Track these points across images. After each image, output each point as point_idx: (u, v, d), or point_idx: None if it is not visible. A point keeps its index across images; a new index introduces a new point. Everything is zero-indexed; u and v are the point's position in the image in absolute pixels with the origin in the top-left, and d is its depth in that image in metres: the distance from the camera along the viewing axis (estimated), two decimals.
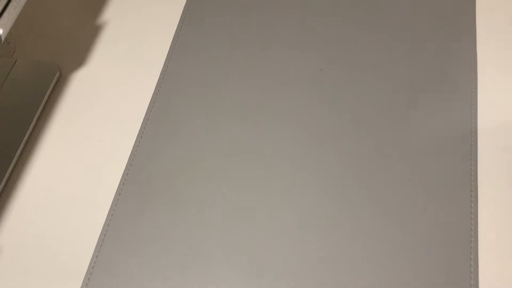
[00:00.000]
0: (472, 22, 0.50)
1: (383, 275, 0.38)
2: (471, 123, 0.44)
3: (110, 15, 0.56)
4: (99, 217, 0.43)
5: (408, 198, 0.41)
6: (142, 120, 0.48)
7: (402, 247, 0.39)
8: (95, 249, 0.42)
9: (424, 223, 0.40)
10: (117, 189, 0.44)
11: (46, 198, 0.45)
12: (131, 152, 0.46)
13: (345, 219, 0.40)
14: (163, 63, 0.51)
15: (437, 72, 0.48)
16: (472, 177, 0.42)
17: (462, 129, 0.44)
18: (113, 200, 0.44)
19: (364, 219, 0.40)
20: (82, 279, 0.40)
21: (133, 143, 0.47)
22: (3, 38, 0.41)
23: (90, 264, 0.41)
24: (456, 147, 0.43)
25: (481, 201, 0.41)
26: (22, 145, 0.47)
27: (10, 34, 0.42)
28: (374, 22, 0.51)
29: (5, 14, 0.42)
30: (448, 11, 0.51)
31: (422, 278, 0.38)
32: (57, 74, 0.51)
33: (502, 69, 0.48)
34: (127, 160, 0.46)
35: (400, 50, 0.49)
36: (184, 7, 0.55)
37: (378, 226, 0.40)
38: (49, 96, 0.50)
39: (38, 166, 0.46)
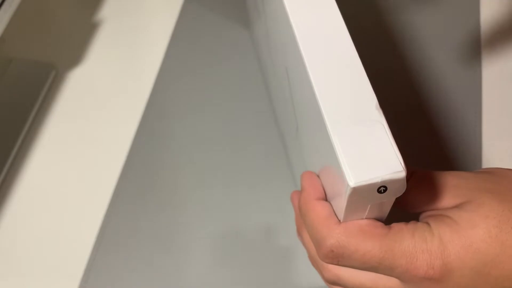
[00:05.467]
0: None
1: None
2: None
3: (106, 13, 0.55)
4: (96, 217, 0.43)
5: None
6: (139, 119, 0.47)
7: None
8: (92, 251, 0.41)
9: None
10: (115, 189, 0.44)
11: (43, 199, 0.44)
12: (128, 152, 0.46)
13: None
14: (161, 61, 0.51)
15: None
16: None
17: None
18: (110, 201, 0.43)
19: None
20: (80, 281, 0.40)
21: (131, 143, 0.46)
22: None
23: (87, 265, 0.41)
24: None
25: None
26: (17, 145, 0.47)
27: (5, 32, 0.42)
28: None
29: (0, 12, 0.41)
30: None
31: None
32: (53, 73, 0.51)
33: None
34: (124, 160, 0.45)
35: None
36: (182, 5, 0.54)
37: None
38: (45, 95, 0.50)
39: (34, 167, 0.46)
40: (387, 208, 0.26)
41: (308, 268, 0.39)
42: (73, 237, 0.42)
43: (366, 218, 0.26)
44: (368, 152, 0.23)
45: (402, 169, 0.22)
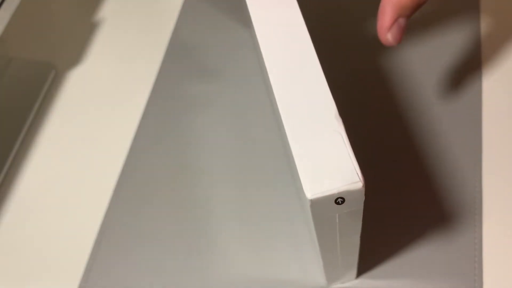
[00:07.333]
0: None
1: None
2: None
3: (106, 13, 0.55)
4: (96, 217, 0.43)
5: None
6: (139, 119, 0.47)
7: None
8: (92, 251, 0.41)
9: None
10: (114, 189, 0.44)
11: (42, 199, 0.44)
12: (128, 152, 0.46)
13: None
14: (160, 61, 0.51)
15: None
16: None
17: None
18: (110, 201, 0.43)
19: None
20: (79, 281, 0.40)
21: (130, 143, 0.46)
22: None
23: (87, 265, 0.40)
24: None
25: None
26: (17, 145, 0.47)
27: (5, 32, 0.42)
28: None
29: (0, 12, 0.41)
30: None
31: None
32: (53, 73, 0.51)
33: None
34: (124, 160, 0.45)
35: None
36: (182, 5, 0.54)
37: None
38: (45, 95, 0.50)
39: (33, 167, 0.46)
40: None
41: (314, 269, 0.39)
42: (73, 237, 0.42)
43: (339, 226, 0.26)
44: (326, 163, 0.23)
45: (359, 179, 0.22)
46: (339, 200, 0.22)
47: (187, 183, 0.44)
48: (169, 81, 0.49)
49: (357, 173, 0.22)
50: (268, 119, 0.46)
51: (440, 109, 0.45)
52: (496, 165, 0.42)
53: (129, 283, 0.39)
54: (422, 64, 0.47)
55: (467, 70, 0.47)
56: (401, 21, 0.31)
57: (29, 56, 0.52)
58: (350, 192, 0.22)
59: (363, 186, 0.22)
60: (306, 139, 0.23)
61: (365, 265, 0.37)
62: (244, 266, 0.40)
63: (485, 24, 0.50)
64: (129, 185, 0.44)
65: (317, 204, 0.23)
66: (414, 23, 0.50)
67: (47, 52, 0.53)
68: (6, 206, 0.44)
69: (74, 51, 0.53)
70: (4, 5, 0.42)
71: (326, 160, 0.23)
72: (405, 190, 0.41)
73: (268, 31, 0.27)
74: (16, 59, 0.51)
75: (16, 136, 0.47)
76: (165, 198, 0.43)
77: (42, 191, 0.45)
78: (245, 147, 0.45)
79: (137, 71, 0.51)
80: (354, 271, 0.36)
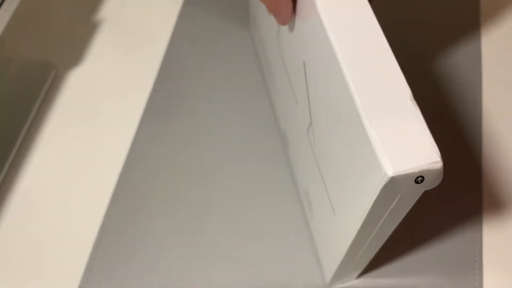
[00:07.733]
0: None
1: None
2: None
3: (106, 13, 0.55)
4: (96, 217, 0.43)
5: None
6: (139, 119, 0.47)
7: None
8: (92, 251, 0.41)
9: None
10: (114, 189, 0.44)
11: (42, 199, 0.44)
12: (128, 152, 0.46)
13: None
14: (160, 61, 0.51)
15: None
16: None
17: None
18: (110, 201, 0.43)
19: None
20: (79, 281, 0.40)
21: (130, 143, 0.46)
22: None
23: (87, 265, 0.40)
24: None
25: None
26: (17, 144, 0.47)
27: (5, 32, 0.42)
28: None
29: (0, 12, 0.41)
30: None
31: None
32: (53, 73, 0.51)
33: None
34: (124, 160, 0.45)
35: None
36: (182, 5, 0.54)
37: None
38: (45, 95, 0.50)
39: (33, 166, 0.46)
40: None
41: (308, 269, 0.39)
42: (73, 237, 0.42)
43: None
44: (405, 143, 0.23)
45: (439, 159, 0.22)
46: (419, 179, 0.23)
47: (186, 183, 0.44)
48: (168, 81, 0.49)
49: (437, 153, 0.22)
50: (268, 120, 0.46)
51: (439, 106, 0.45)
52: (496, 165, 0.42)
53: (129, 283, 0.39)
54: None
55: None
56: None
57: (29, 56, 0.52)
58: (430, 171, 0.23)
59: (442, 166, 0.23)
60: (383, 119, 0.23)
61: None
62: (244, 267, 0.40)
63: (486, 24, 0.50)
64: (129, 185, 0.44)
65: (395, 182, 0.23)
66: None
67: (47, 52, 0.53)
68: (6, 206, 0.44)
69: (74, 51, 0.53)
70: (4, 5, 0.42)
71: (405, 139, 0.23)
72: None
73: (336, 19, 0.27)
74: (16, 59, 0.51)
75: (16, 136, 0.47)
76: (165, 198, 0.43)
77: (42, 191, 0.45)
78: (244, 148, 0.45)
79: (137, 71, 0.51)
80: (360, 270, 0.36)
